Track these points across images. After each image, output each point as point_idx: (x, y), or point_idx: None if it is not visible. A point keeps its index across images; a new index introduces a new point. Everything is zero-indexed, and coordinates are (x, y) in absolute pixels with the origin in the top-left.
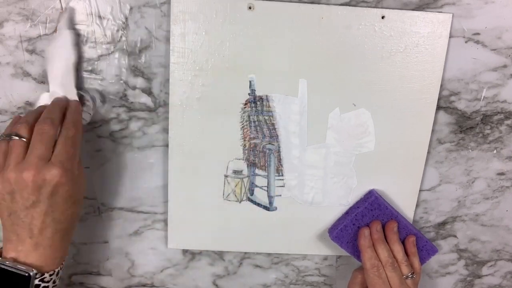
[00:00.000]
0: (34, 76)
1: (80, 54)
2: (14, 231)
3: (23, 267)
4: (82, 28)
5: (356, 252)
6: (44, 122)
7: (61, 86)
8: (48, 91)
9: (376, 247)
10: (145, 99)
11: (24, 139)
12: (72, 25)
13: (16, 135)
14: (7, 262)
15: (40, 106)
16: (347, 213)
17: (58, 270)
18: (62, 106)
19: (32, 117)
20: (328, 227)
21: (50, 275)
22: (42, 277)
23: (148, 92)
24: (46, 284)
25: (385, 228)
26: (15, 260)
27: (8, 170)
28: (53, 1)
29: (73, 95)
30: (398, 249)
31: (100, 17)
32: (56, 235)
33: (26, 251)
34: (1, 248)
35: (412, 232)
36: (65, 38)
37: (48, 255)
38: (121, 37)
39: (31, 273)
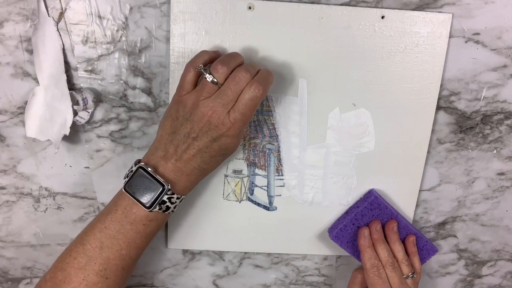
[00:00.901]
0: (34, 76)
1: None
2: (166, 148)
3: (161, 178)
4: (82, 28)
5: (356, 252)
6: (245, 71)
7: (51, 77)
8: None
9: (376, 247)
10: (145, 99)
11: (217, 86)
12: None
13: (213, 81)
14: (149, 168)
15: (238, 53)
16: (346, 213)
17: (183, 198)
18: (256, 68)
19: (233, 65)
20: (328, 227)
21: (177, 198)
22: (172, 195)
23: (148, 92)
24: (169, 205)
25: (385, 227)
26: (155, 169)
27: (194, 98)
28: (53, 1)
29: (63, 85)
30: (398, 248)
31: (100, 17)
32: (196, 170)
33: (167, 169)
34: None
35: (412, 231)
36: (48, 25)
37: (182, 181)
38: (121, 37)
39: (166, 186)
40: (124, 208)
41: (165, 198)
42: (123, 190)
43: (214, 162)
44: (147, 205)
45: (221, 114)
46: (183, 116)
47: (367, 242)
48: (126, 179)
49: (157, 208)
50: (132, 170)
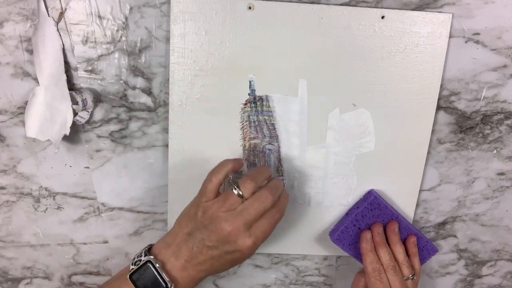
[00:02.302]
0: (34, 76)
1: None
2: (179, 246)
3: (167, 278)
4: (82, 28)
5: (357, 253)
6: (271, 194)
7: (51, 77)
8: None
9: (377, 250)
10: (145, 99)
11: (242, 199)
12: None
13: (239, 194)
14: (157, 264)
15: (263, 170)
16: (347, 214)
17: None
18: (281, 187)
19: (261, 181)
20: (328, 227)
21: None
22: None
23: (148, 92)
24: None
25: (386, 228)
26: (163, 265)
27: (216, 209)
28: (53, 1)
29: (63, 85)
30: (399, 250)
31: (100, 17)
32: (203, 273)
33: (175, 267)
34: (152, 245)
35: (412, 232)
36: (48, 25)
37: (186, 282)
38: (121, 37)
39: (170, 286)
40: None
41: None
42: (127, 277)
43: (223, 269)
44: None
45: (241, 232)
46: (202, 222)
47: (369, 245)
48: (134, 267)
49: None
50: (140, 259)
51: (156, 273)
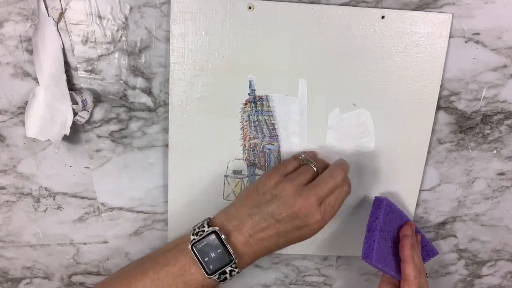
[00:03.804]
0: (34, 76)
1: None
2: (242, 220)
3: (232, 250)
4: (82, 28)
5: (392, 266)
6: (342, 169)
7: (51, 77)
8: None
9: (413, 254)
10: (145, 99)
11: (315, 170)
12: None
13: (313, 165)
14: (223, 236)
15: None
16: (369, 230)
17: (238, 272)
18: (348, 165)
19: (324, 164)
20: (328, 227)
21: (237, 272)
22: (235, 268)
23: (148, 92)
24: (228, 276)
25: (405, 231)
26: (227, 238)
27: (289, 182)
28: (53, 1)
29: (63, 85)
30: (417, 250)
31: (100, 17)
32: (265, 250)
33: (239, 241)
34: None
35: (417, 231)
36: (48, 25)
37: (248, 257)
38: (121, 37)
39: (234, 259)
40: (183, 265)
41: (227, 269)
42: (188, 247)
43: (286, 245)
44: (209, 272)
45: (313, 205)
46: (272, 194)
47: (411, 251)
48: (195, 238)
49: (216, 277)
50: (203, 230)
51: (221, 245)
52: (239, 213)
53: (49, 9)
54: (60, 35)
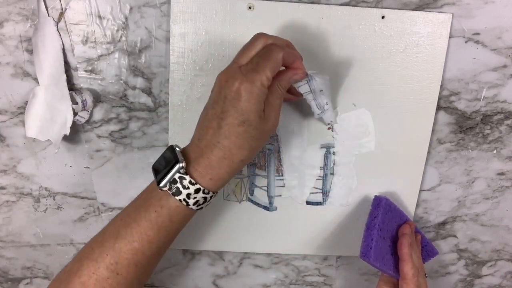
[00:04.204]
0: (34, 76)
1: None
2: (194, 132)
3: (180, 154)
4: (82, 28)
5: (390, 265)
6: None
7: (51, 77)
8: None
9: (411, 253)
10: (145, 99)
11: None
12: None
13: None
14: (178, 149)
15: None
16: (368, 228)
17: (203, 190)
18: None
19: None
20: (328, 228)
21: (190, 182)
22: (184, 175)
23: (148, 92)
24: (180, 187)
25: (403, 230)
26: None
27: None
28: (53, 1)
29: (63, 85)
30: (416, 250)
31: (100, 17)
32: (217, 150)
33: (189, 149)
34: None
35: (417, 231)
36: (48, 25)
37: (201, 164)
38: (121, 37)
39: (180, 161)
40: (146, 192)
41: (176, 177)
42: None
43: (235, 136)
44: (157, 180)
45: (233, 71)
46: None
47: (409, 250)
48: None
49: (167, 187)
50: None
51: (171, 152)
52: (201, 144)
53: (49, 9)
54: (60, 35)
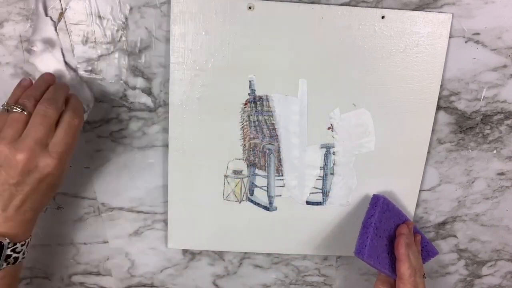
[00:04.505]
0: (34, 76)
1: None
2: None
3: None
4: (82, 28)
5: (385, 264)
6: (49, 103)
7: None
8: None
9: (408, 252)
10: (145, 99)
11: (25, 114)
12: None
13: (20, 109)
14: None
15: (42, 79)
16: (364, 226)
17: (28, 241)
18: (65, 91)
19: (38, 93)
20: (328, 228)
21: (22, 245)
22: (14, 246)
23: (148, 92)
24: (17, 255)
25: (400, 230)
26: None
27: (2, 144)
28: (53, 1)
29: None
30: (414, 250)
31: (100, 17)
32: (29, 213)
33: None
34: None
35: (416, 231)
36: (46, 26)
37: (19, 228)
38: (121, 37)
39: (3, 242)
40: None
41: (8, 252)
42: None
43: (47, 200)
44: None
45: (37, 153)
46: None
47: (406, 249)
48: None
49: (5, 264)
50: None
51: None
52: None
53: (48, 9)
54: (58, 35)
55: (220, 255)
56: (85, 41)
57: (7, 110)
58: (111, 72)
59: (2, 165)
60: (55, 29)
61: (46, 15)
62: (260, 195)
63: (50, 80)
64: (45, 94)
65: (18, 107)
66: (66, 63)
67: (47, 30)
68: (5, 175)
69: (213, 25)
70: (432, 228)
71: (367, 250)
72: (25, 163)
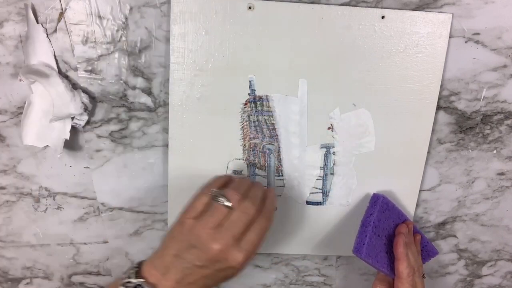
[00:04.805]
0: None
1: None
2: (168, 268)
3: None
4: (82, 28)
5: (384, 263)
6: (253, 203)
7: (46, 83)
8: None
9: (407, 252)
10: (145, 99)
11: (229, 209)
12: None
13: (227, 205)
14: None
15: (245, 179)
16: (363, 225)
17: None
18: (263, 191)
19: (244, 188)
20: (328, 227)
21: None
22: None
23: (148, 92)
24: None
25: (399, 229)
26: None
27: (202, 227)
28: (53, 1)
29: (59, 90)
30: (414, 250)
31: (100, 17)
32: None
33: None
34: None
35: (416, 230)
36: (37, 32)
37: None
38: (121, 37)
39: None
40: None
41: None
42: None
43: (216, 285)
44: None
45: (231, 247)
46: (189, 241)
47: (405, 249)
48: None
49: None
50: (130, 281)
51: None
52: (164, 262)
53: (48, 9)
54: (50, 41)
55: None
56: (85, 41)
57: (213, 196)
58: (111, 72)
59: (196, 247)
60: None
61: (37, 22)
62: None
63: (248, 183)
64: (249, 191)
65: (225, 201)
66: (59, 70)
67: (40, 37)
68: (195, 256)
69: (213, 25)
70: (432, 228)
71: (366, 249)
72: (217, 254)
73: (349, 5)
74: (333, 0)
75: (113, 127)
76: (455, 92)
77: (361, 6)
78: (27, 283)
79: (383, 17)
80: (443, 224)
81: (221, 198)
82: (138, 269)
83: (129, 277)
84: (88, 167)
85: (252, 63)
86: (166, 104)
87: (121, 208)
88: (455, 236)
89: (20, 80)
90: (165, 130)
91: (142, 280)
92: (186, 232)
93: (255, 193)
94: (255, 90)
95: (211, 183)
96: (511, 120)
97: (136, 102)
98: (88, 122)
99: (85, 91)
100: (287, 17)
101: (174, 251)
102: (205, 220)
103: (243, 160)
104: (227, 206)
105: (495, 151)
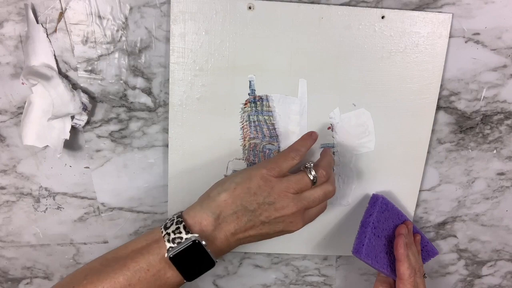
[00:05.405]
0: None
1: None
2: (224, 217)
3: (214, 256)
4: (82, 28)
5: (383, 264)
6: (334, 188)
7: (46, 83)
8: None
9: (408, 253)
10: (145, 99)
11: (312, 182)
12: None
13: (313, 181)
14: (203, 242)
15: (326, 152)
16: (362, 225)
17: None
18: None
19: (330, 170)
20: (328, 227)
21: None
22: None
23: (148, 92)
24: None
25: (399, 230)
26: (207, 241)
27: (286, 189)
28: (53, 1)
29: (59, 90)
30: (414, 250)
31: (100, 17)
32: (238, 244)
33: (217, 239)
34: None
35: (415, 231)
36: (37, 33)
37: (222, 252)
38: (121, 37)
39: (215, 261)
40: (158, 270)
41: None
42: (166, 255)
43: (258, 241)
44: (189, 278)
45: (300, 215)
46: (268, 198)
47: (406, 250)
48: (172, 245)
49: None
50: (181, 237)
51: (202, 252)
52: (224, 210)
53: (48, 9)
54: (50, 41)
55: None
56: (85, 41)
57: (305, 167)
58: (111, 72)
59: (273, 203)
60: (47, 36)
61: (37, 22)
62: None
63: (328, 152)
64: (331, 174)
65: (314, 177)
66: (59, 70)
67: (40, 37)
68: (266, 211)
69: (213, 25)
70: (432, 228)
71: (365, 249)
72: (288, 215)
73: (349, 5)
74: (333, 0)
75: (113, 127)
76: (455, 92)
77: (361, 6)
78: (27, 283)
79: (383, 17)
80: (443, 224)
81: (312, 174)
82: (183, 220)
83: (177, 230)
84: (88, 167)
85: (252, 63)
86: (166, 104)
87: (121, 208)
88: (455, 236)
89: (23, 84)
90: (165, 130)
91: (196, 235)
92: (267, 189)
93: (333, 177)
94: (255, 90)
95: (299, 144)
96: (511, 120)
97: (136, 102)
98: (88, 122)
99: (85, 91)
100: (287, 17)
101: (245, 202)
102: (292, 183)
103: (243, 160)
104: (313, 182)
105: (495, 151)
